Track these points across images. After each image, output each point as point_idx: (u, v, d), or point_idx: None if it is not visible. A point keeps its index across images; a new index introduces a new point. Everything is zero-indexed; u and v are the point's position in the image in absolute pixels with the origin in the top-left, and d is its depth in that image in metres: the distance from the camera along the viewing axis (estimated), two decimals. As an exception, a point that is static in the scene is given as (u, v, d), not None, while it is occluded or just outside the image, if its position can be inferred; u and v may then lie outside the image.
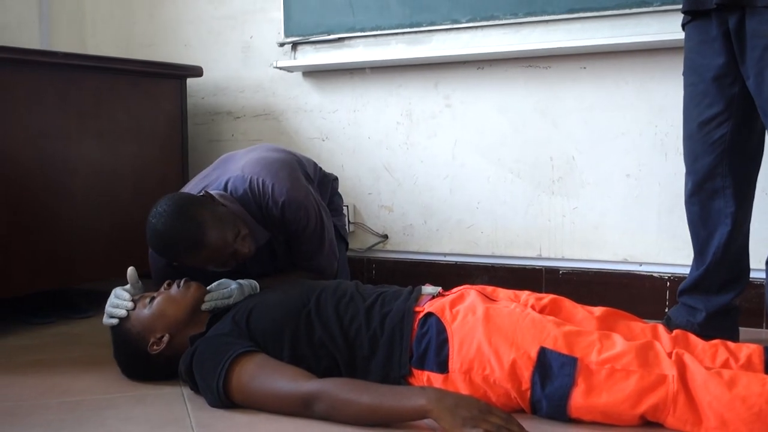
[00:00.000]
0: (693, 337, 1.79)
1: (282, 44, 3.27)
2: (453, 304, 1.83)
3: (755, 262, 2.27)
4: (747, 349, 1.72)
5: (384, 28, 3.06)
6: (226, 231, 2.08)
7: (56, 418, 1.75)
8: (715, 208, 2.17)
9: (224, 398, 1.75)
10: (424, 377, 1.76)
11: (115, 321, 1.99)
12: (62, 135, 2.74)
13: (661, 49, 2.66)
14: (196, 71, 3.26)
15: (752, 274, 2.28)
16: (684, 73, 2.21)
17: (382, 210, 3.19)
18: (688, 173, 2.21)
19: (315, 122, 3.29)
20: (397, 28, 3.03)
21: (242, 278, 2.15)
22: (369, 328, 1.82)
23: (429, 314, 1.81)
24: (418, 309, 1.84)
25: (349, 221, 3.13)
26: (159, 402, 1.86)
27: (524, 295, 1.96)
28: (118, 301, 2.00)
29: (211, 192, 2.23)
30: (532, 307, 1.88)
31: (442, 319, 1.78)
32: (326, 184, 2.71)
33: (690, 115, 2.18)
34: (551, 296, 1.95)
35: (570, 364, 1.63)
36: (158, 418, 1.75)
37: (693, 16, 2.13)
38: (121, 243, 2.89)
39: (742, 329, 2.28)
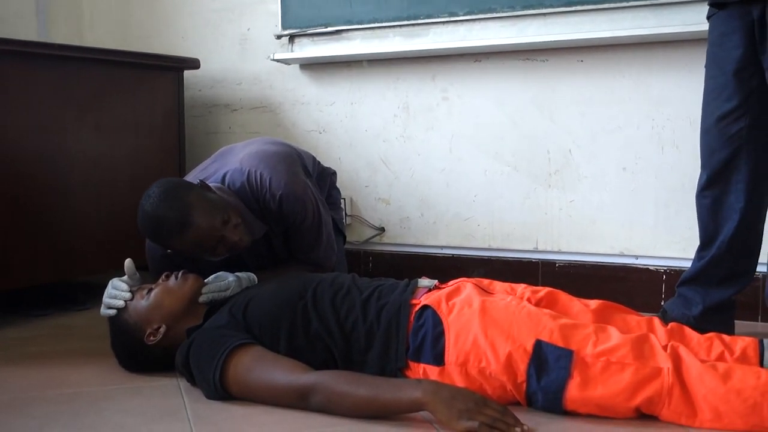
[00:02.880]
0: (688, 330, 1.79)
1: (279, 36, 3.26)
2: (449, 296, 1.83)
3: (762, 257, 2.25)
4: (742, 342, 1.72)
5: (381, 21, 3.05)
6: (214, 214, 2.07)
7: (53, 410, 1.75)
8: (727, 202, 2.15)
9: (221, 390, 1.75)
10: (420, 370, 1.76)
11: (112, 312, 1.99)
12: (59, 127, 2.73)
13: (659, 43, 2.66)
14: (194, 63, 3.26)
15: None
16: (706, 66, 2.19)
17: (379, 203, 3.20)
18: (704, 167, 2.20)
19: (312, 115, 3.29)
20: (395, 20, 3.03)
21: (240, 271, 2.15)
22: (365, 320, 1.83)
23: (425, 307, 1.81)
24: (414, 302, 1.84)
25: (346, 214, 3.13)
26: (156, 394, 1.86)
27: (520, 288, 1.96)
28: (116, 292, 2.01)
29: (210, 184, 2.23)
30: (528, 300, 1.88)
31: (438, 312, 1.78)
32: (325, 178, 2.71)
33: (708, 108, 2.17)
34: (547, 289, 1.95)
35: (566, 356, 1.64)
36: (155, 410, 1.75)
37: (718, 8, 2.12)
38: (118, 235, 2.89)
39: (737, 322, 2.28)
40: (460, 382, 1.71)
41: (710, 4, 2.15)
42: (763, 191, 2.17)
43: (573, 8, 2.72)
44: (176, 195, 2.05)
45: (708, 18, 2.19)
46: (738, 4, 2.04)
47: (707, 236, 2.22)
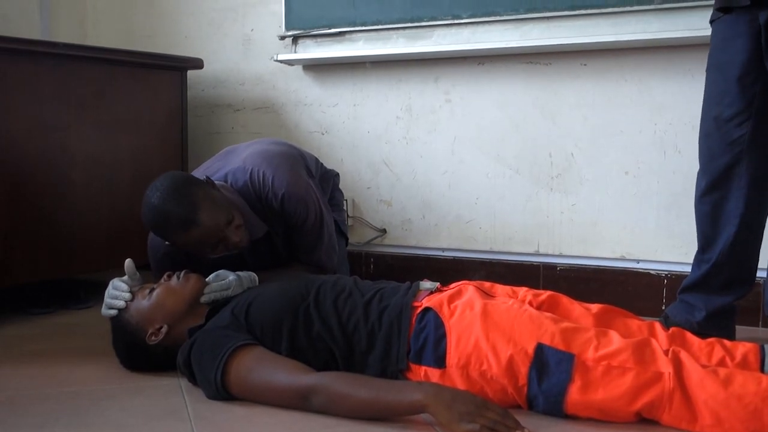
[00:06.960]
0: (689, 335, 1.80)
1: (283, 37, 3.27)
2: (451, 299, 1.84)
3: (762, 263, 2.25)
4: (743, 348, 1.72)
5: (385, 23, 3.06)
6: (220, 214, 2.09)
7: (54, 409, 1.75)
8: (727, 209, 2.14)
9: (222, 391, 1.76)
10: (422, 372, 1.76)
11: (114, 312, 1.99)
12: (62, 126, 2.73)
13: (662, 47, 2.66)
14: (197, 63, 3.26)
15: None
16: (707, 70, 2.17)
17: (381, 204, 3.20)
18: (703, 172, 2.18)
19: (315, 116, 3.29)
20: (398, 22, 3.03)
21: (241, 270, 2.15)
22: (367, 322, 1.83)
23: (427, 309, 1.81)
24: (416, 304, 1.84)
25: (347, 215, 3.13)
26: (157, 393, 1.86)
27: (522, 291, 1.97)
28: (117, 293, 2.01)
29: (214, 182, 2.23)
30: (530, 303, 1.88)
31: (440, 315, 1.78)
32: (328, 179, 2.72)
33: (709, 112, 2.15)
34: (549, 292, 1.95)
35: (567, 360, 1.64)
36: (156, 409, 1.75)
37: (724, 12, 2.09)
38: (120, 234, 2.89)
39: (738, 327, 2.28)
40: (461, 384, 1.71)
41: (716, 9, 2.12)
42: (763, 198, 2.16)
43: (576, 12, 2.72)
44: (184, 191, 2.05)
45: (711, 22, 2.17)
46: (745, 9, 2.02)
47: (706, 242, 2.21)
